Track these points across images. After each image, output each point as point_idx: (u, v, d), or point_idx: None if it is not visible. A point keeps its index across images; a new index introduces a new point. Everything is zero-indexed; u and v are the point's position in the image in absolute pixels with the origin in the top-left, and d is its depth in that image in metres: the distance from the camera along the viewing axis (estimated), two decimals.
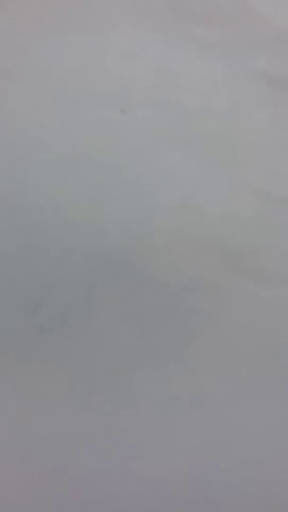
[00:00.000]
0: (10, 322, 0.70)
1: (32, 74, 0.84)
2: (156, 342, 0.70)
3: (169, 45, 0.87)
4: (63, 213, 0.76)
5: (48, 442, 0.66)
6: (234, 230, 0.77)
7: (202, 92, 0.85)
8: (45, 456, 0.66)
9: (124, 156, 0.79)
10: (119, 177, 0.78)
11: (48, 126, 0.81)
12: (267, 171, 0.80)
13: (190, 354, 0.70)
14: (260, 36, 0.89)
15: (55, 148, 0.79)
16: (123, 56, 0.86)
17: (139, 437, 0.67)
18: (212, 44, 0.88)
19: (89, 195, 0.77)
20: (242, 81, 0.86)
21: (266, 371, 0.70)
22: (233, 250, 0.76)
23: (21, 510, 0.64)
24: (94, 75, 0.84)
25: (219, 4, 0.90)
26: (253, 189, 0.79)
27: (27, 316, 0.71)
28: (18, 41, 0.86)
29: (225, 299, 0.73)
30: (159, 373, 0.69)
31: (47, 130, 0.80)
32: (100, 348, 0.70)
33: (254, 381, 0.69)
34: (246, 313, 0.73)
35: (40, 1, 0.88)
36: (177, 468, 0.66)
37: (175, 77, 0.85)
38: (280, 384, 0.69)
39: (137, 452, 0.66)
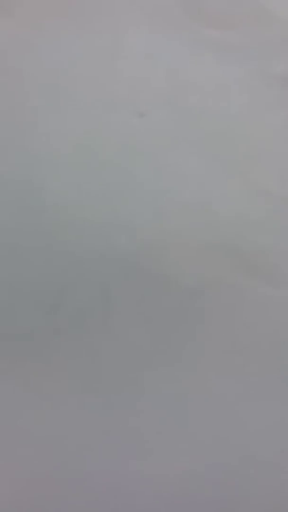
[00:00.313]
0: (27, 323, 0.71)
1: (49, 77, 0.84)
2: (169, 342, 0.71)
3: (185, 47, 0.88)
4: (79, 215, 0.77)
5: (61, 443, 0.66)
6: (246, 232, 0.77)
7: (217, 95, 0.85)
8: (58, 456, 0.66)
9: (139, 159, 0.80)
10: (133, 180, 0.79)
11: (65, 129, 0.81)
12: (280, 173, 0.81)
13: (203, 356, 0.71)
14: (276, 38, 0.90)
15: (72, 151, 0.80)
16: (139, 59, 0.86)
17: (150, 438, 0.67)
18: (227, 47, 0.88)
19: (105, 197, 0.78)
20: (257, 83, 0.86)
21: (277, 372, 0.70)
22: (245, 251, 0.76)
23: (21, 510, 0.64)
24: (111, 78, 0.85)
25: (234, 6, 0.91)
26: (265, 191, 0.80)
27: (45, 317, 0.72)
28: (34, 43, 0.86)
29: (236, 300, 0.73)
30: (172, 375, 0.69)
31: (64, 133, 0.81)
32: (116, 349, 0.70)
33: (265, 383, 0.70)
34: (257, 314, 0.73)
35: (56, 4, 0.89)
36: (184, 469, 0.66)
37: (190, 79, 0.86)
38: None
39: (149, 452, 0.67)
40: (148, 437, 0.67)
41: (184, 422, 0.68)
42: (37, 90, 0.84)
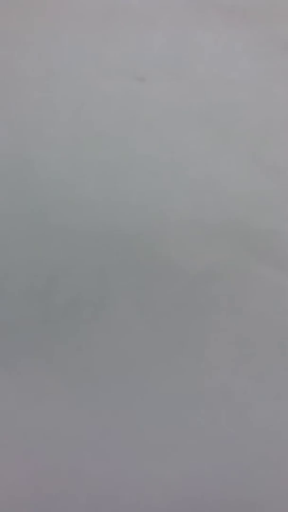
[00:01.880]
0: (15, 311, 0.68)
1: (40, 41, 0.80)
2: (170, 332, 0.68)
3: (189, 9, 0.84)
4: (73, 193, 0.74)
5: (52, 438, 0.64)
6: (255, 211, 0.75)
7: (223, 61, 0.82)
8: (49, 452, 0.63)
9: (138, 131, 0.77)
10: (133, 154, 0.76)
11: (58, 97, 0.78)
12: None
13: (206, 346, 0.68)
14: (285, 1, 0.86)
15: (65, 122, 0.77)
16: (138, 20, 0.82)
17: (149, 434, 0.64)
18: (232, 10, 0.84)
19: (101, 173, 0.75)
20: (267, 49, 0.83)
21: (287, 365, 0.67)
22: (253, 233, 0.73)
23: (20, 510, 0.62)
24: (107, 40, 0.81)
25: None
26: (276, 167, 0.77)
27: (33, 305, 0.68)
28: (29, 8, 0.82)
29: (244, 286, 0.71)
30: (174, 367, 0.66)
31: (56, 101, 0.78)
32: (112, 339, 0.67)
33: (274, 377, 0.66)
34: (266, 302, 0.70)
35: None
36: (187, 469, 0.63)
37: (193, 44, 0.83)
38: None
39: (147, 450, 0.64)
40: (147, 435, 0.64)
41: (187, 419, 0.65)
42: (28, 56, 0.80)
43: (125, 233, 0.72)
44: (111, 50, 0.80)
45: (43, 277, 0.70)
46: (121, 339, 0.68)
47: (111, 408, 0.65)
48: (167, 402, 0.65)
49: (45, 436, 0.64)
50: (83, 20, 0.81)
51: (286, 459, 0.64)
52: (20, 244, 0.71)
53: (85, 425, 0.64)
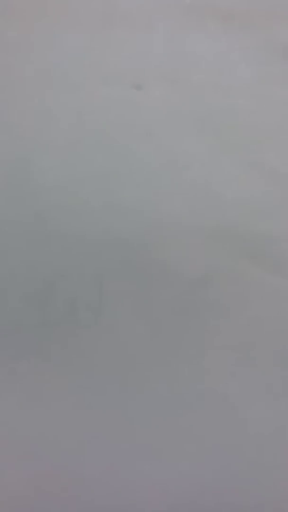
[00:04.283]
0: (13, 315, 0.68)
1: (38, 46, 0.80)
2: (169, 337, 0.68)
3: (186, 15, 0.83)
4: (71, 198, 0.73)
5: (50, 441, 0.64)
6: (252, 216, 0.74)
7: (220, 67, 0.81)
8: (46, 456, 0.64)
9: (136, 137, 0.76)
10: (131, 160, 0.75)
11: (55, 104, 0.77)
12: (286, 152, 0.77)
13: (203, 350, 0.67)
14: (285, 4, 0.85)
15: (63, 129, 0.76)
16: (135, 27, 0.81)
17: (146, 437, 0.64)
18: (230, 15, 0.83)
19: (100, 178, 0.74)
20: (264, 55, 0.82)
21: (285, 369, 0.67)
22: (250, 237, 0.73)
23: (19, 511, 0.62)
24: (105, 47, 0.80)
25: None
26: (273, 171, 0.76)
27: (32, 309, 0.68)
28: (26, 14, 0.82)
29: (241, 291, 0.70)
30: (170, 371, 0.66)
31: (54, 108, 0.77)
32: (110, 343, 0.67)
33: (272, 380, 0.66)
34: (263, 305, 0.70)
35: None
36: (186, 471, 0.64)
37: (191, 50, 0.81)
38: None
39: (144, 453, 0.64)
40: (145, 438, 0.64)
41: (184, 423, 0.65)
42: (25, 63, 0.79)
43: (123, 238, 0.71)
44: (108, 57, 0.79)
45: (41, 282, 0.69)
46: (119, 344, 0.67)
47: (109, 411, 0.65)
48: (164, 405, 0.65)
49: (43, 438, 0.64)
50: (80, 27, 0.80)
51: (283, 463, 0.64)
52: (18, 249, 0.70)
53: (84, 428, 0.64)
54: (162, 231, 0.72)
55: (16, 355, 0.67)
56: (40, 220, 0.71)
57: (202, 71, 0.80)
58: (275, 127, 0.78)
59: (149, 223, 0.72)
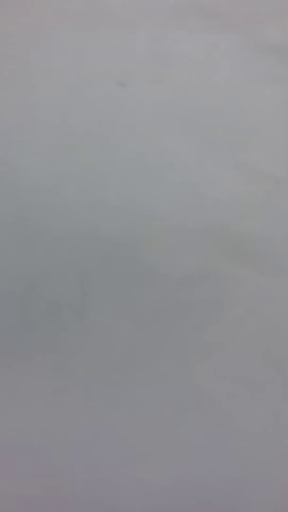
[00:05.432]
0: None
1: (21, 43, 0.80)
2: (154, 338, 0.67)
3: (168, 15, 0.83)
4: (55, 197, 0.72)
5: (32, 446, 0.63)
6: (237, 216, 0.73)
7: (204, 66, 0.81)
8: (35, 462, 0.63)
9: (120, 136, 0.76)
10: (115, 158, 0.75)
11: (37, 102, 0.77)
12: (274, 153, 0.77)
13: (190, 352, 0.67)
14: (269, 3, 0.85)
15: (45, 127, 0.76)
16: (119, 25, 0.81)
17: (135, 441, 0.64)
18: (214, 14, 0.84)
19: (84, 177, 0.74)
20: (249, 54, 0.82)
21: (274, 370, 0.67)
22: (237, 237, 0.72)
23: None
24: (88, 45, 0.80)
25: None
26: (258, 171, 0.76)
27: (14, 310, 0.67)
28: (7, 8, 0.81)
29: (228, 292, 0.70)
30: (157, 372, 0.66)
31: (36, 106, 0.76)
32: (94, 345, 0.66)
33: (261, 381, 0.66)
34: (250, 306, 0.69)
35: None
36: (177, 474, 0.63)
37: (174, 49, 0.81)
38: None
39: (132, 457, 0.63)
40: (131, 439, 0.63)
41: (170, 424, 0.64)
42: (7, 60, 0.79)
43: (107, 238, 0.71)
44: (91, 55, 0.79)
45: (22, 283, 0.68)
46: (103, 345, 0.67)
47: (94, 413, 0.64)
48: (150, 406, 0.65)
49: (25, 443, 0.63)
50: (62, 24, 0.80)
51: (273, 464, 0.63)
52: (0, 249, 0.70)
53: (67, 431, 0.63)
54: (147, 230, 0.72)
55: None
56: (20, 219, 0.71)
57: (186, 70, 0.80)
58: (260, 126, 0.78)
59: (133, 222, 0.72)
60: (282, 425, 0.64)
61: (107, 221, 0.71)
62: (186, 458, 0.63)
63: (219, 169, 0.75)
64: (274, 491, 0.62)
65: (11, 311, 0.67)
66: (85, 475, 0.62)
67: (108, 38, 0.80)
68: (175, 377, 0.66)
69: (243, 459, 0.63)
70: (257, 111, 0.79)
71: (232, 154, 0.76)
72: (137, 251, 0.71)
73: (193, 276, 0.70)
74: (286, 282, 0.70)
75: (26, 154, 0.74)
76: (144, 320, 0.68)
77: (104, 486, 0.62)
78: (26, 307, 0.68)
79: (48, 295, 0.68)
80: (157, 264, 0.70)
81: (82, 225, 0.71)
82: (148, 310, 0.68)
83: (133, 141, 0.76)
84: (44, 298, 0.68)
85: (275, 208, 0.74)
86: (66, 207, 0.72)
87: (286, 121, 0.79)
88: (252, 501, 0.62)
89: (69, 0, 0.82)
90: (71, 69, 0.79)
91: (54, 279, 0.69)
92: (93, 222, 0.71)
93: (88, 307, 0.68)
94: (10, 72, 0.79)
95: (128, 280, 0.69)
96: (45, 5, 0.81)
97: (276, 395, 0.65)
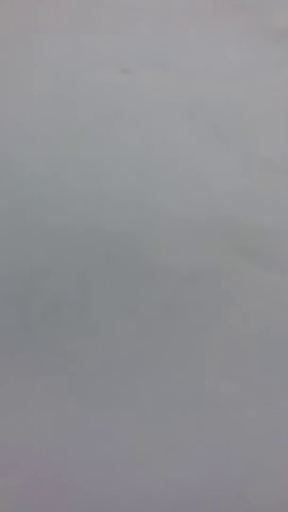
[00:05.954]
0: None
1: (22, 31, 0.80)
2: (158, 337, 0.66)
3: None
4: (54, 190, 0.72)
5: (32, 446, 0.62)
6: (244, 209, 0.73)
7: (210, 53, 0.81)
8: (34, 464, 0.62)
9: (123, 125, 0.76)
10: (118, 149, 0.74)
11: (39, 90, 0.76)
12: (284, 143, 0.76)
13: (193, 350, 0.66)
14: None
15: (46, 115, 0.75)
16: (122, 10, 0.81)
17: (137, 441, 0.63)
18: None
19: (85, 169, 0.73)
20: (255, 40, 0.82)
21: (278, 369, 0.66)
22: (244, 232, 0.72)
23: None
24: (90, 30, 0.80)
25: None
26: (268, 162, 0.75)
27: (12, 308, 0.67)
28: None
29: (232, 288, 0.69)
30: (159, 371, 0.65)
31: (37, 94, 0.76)
32: (95, 344, 0.66)
33: (265, 381, 0.65)
34: (255, 303, 0.68)
35: None
36: (178, 475, 0.62)
37: (180, 35, 0.81)
38: None
39: (134, 457, 0.62)
40: (133, 440, 0.62)
41: (176, 423, 0.63)
42: (9, 47, 0.81)
43: (109, 232, 0.70)
44: (93, 40, 0.79)
45: (21, 280, 0.68)
46: (104, 344, 0.66)
47: (95, 412, 0.63)
48: (153, 405, 0.64)
49: (25, 443, 0.62)
50: (65, 11, 0.80)
51: (277, 466, 0.62)
52: None
53: (67, 431, 0.63)
54: (150, 224, 0.71)
55: None
56: (18, 213, 0.70)
57: (192, 56, 0.80)
58: (270, 115, 0.78)
59: (136, 216, 0.71)
60: None
61: (109, 215, 0.71)
62: (188, 459, 0.62)
63: (227, 160, 0.75)
64: (278, 493, 0.62)
65: (9, 309, 0.67)
66: (85, 475, 0.62)
67: (111, 22, 0.80)
68: (179, 377, 0.65)
69: (246, 460, 0.62)
70: (266, 99, 0.79)
71: (240, 144, 0.76)
72: (140, 246, 0.70)
73: (198, 272, 0.69)
74: None
75: (25, 144, 0.74)
76: (147, 318, 0.67)
77: (105, 486, 0.61)
78: (24, 305, 0.67)
79: (48, 292, 0.68)
80: (161, 259, 0.70)
81: (82, 219, 0.71)
82: (152, 308, 0.68)
83: (136, 131, 0.75)
84: (43, 295, 0.68)
85: (285, 201, 0.73)
86: (66, 200, 0.71)
87: None
88: (255, 503, 0.61)
89: None
90: (72, 55, 0.79)
91: (53, 275, 0.68)
92: (95, 216, 0.71)
93: (89, 304, 0.67)
94: (10, 60, 0.78)
95: (130, 277, 0.69)
96: None
97: (283, 396, 0.64)
